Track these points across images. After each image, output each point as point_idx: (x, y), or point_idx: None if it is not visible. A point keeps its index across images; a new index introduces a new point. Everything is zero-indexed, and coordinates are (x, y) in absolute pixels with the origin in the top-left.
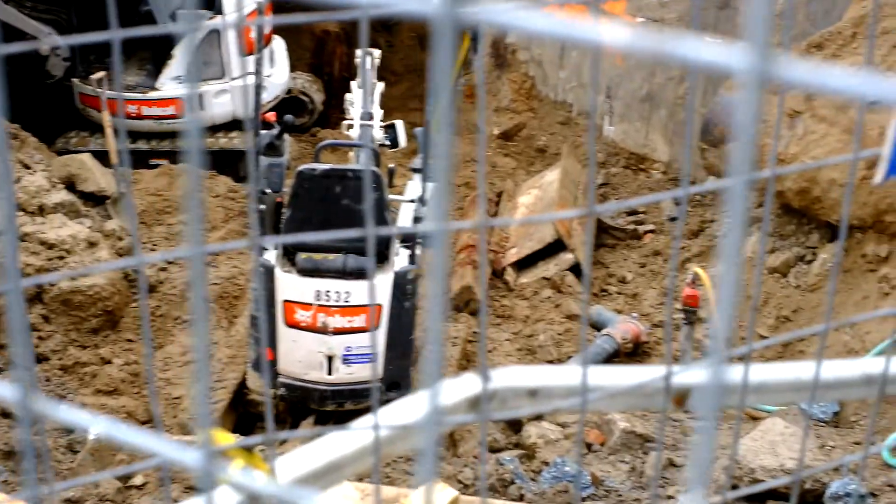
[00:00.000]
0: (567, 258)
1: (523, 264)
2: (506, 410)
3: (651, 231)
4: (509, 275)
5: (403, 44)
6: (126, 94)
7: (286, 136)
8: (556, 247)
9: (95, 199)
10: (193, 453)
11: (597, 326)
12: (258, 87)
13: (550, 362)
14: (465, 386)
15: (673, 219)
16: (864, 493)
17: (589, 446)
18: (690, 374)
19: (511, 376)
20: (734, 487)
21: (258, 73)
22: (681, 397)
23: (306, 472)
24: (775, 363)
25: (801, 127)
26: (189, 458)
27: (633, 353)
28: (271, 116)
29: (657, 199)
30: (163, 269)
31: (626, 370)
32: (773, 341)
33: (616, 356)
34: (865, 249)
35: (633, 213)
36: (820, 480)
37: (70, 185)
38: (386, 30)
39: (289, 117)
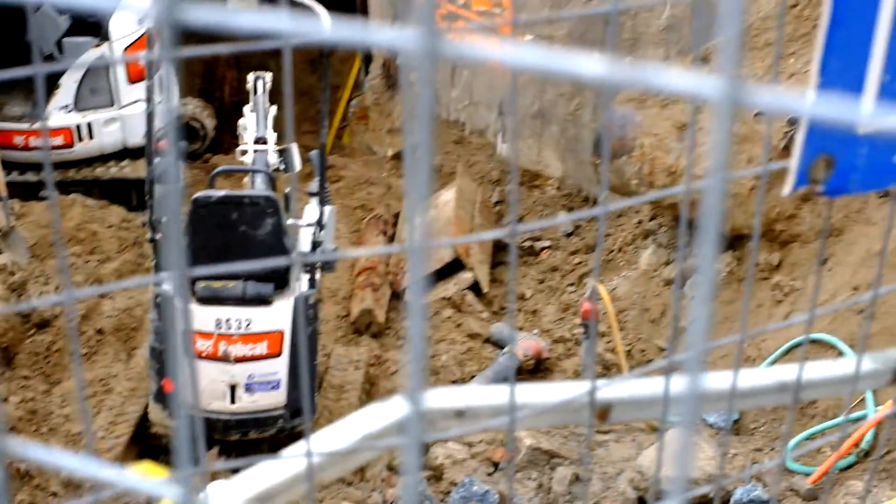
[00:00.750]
0: (466, 277)
1: None
2: (434, 432)
3: (547, 248)
4: (409, 295)
5: (295, 66)
6: (13, 124)
7: (180, 164)
8: (454, 266)
9: None
10: (174, 487)
11: (498, 344)
12: (150, 116)
13: (454, 382)
14: (392, 409)
15: (569, 234)
16: (766, 498)
17: (496, 465)
18: (612, 389)
19: (438, 398)
20: (641, 500)
21: (149, 100)
22: (604, 412)
23: (240, 502)
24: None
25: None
26: (170, 493)
27: (536, 369)
28: (164, 144)
29: (577, 217)
30: (57, 303)
31: (551, 387)
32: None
33: (519, 373)
34: (758, 258)
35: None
36: (724, 488)
37: None
38: (276, 53)
39: (182, 144)
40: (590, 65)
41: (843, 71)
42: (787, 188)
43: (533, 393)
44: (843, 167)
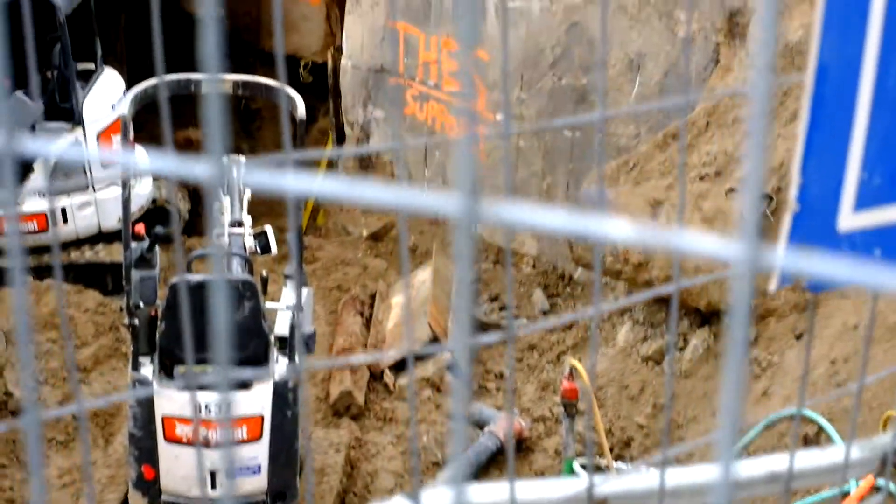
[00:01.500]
0: (445, 357)
1: (401, 366)
2: None
3: (524, 325)
4: (388, 377)
5: (266, 148)
6: None
7: (156, 249)
8: (432, 345)
9: None
10: None
11: (479, 424)
12: (126, 202)
13: (436, 464)
14: None
15: (545, 312)
16: None
17: None
18: (610, 484)
19: (439, 497)
20: None
21: (126, 186)
22: None
23: None
24: (683, 466)
25: (664, 216)
26: None
27: (517, 449)
28: (140, 228)
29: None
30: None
31: (550, 483)
32: (693, 445)
33: (500, 453)
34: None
35: (504, 307)
36: None
37: None
38: (249, 135)
39: (159, 229)
40: (619, 228)
41: (822, 169)
42: (772, 285)
43: (534, 490)
44: None
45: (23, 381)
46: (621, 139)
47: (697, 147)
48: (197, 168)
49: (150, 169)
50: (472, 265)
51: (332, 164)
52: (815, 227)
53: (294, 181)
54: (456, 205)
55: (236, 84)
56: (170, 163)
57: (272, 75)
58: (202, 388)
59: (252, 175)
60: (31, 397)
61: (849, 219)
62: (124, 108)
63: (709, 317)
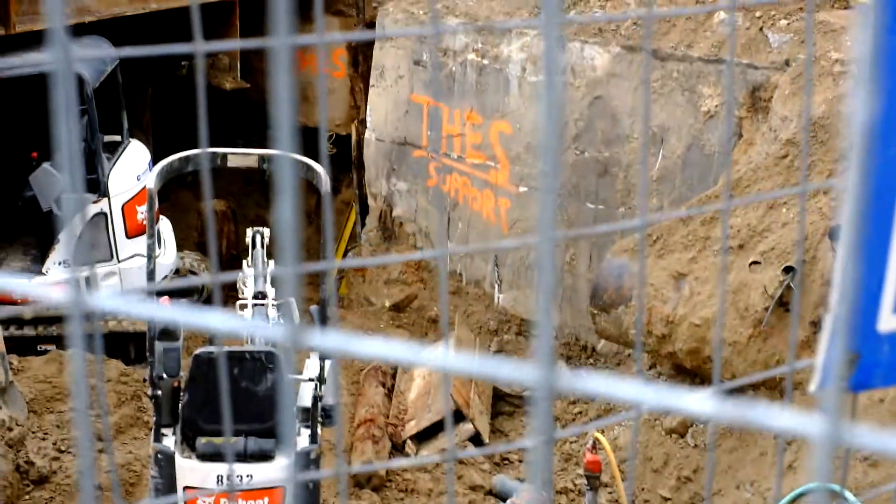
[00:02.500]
0: (467, 428)
1: (423, 436)
2: None
3: None
4: (410, 448)
5: None
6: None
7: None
8: (454, 418)
9: None
10: None
11: (501, 496)
12: (151, 273)
13: None
14: None
15: None
16: None
17: None
18: None
19: None
20: None
21: (151, 258)
22: None
23: None
24: None
25: (687, 289)
26: None
27: None
28: (165, 300)
29: None
30: (55, 459)
31: None
32: None
33: None
34: (759, 406)
35: None
36: None
37: None
38: (272, 206)
39: (183, 302)
40: (699, 403)
41: (864, 274)
42: (813, 385)
43: None
44: (867, 363)
45: (80, 448)
46: (645, 213)
47: (720, 220)
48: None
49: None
50: (551, 435)
51: (354, 235)
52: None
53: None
54: (534, 376)
55: (262, 158)
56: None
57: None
58: (223, 458)
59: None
60: (88, 470)
61: (889, 320)
62: (151, 181)
63: (732, 390)
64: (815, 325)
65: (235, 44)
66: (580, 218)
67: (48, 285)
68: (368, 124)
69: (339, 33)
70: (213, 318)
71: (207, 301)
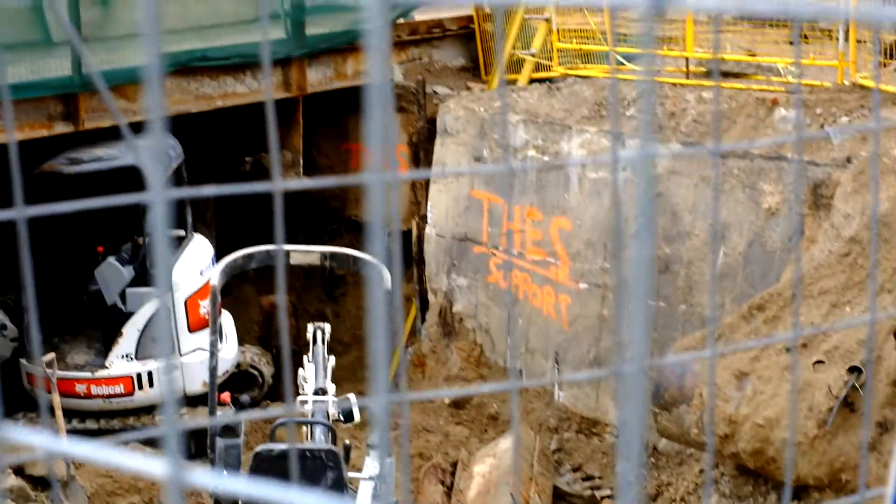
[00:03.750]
0: None
1: None
2: None
3: (608, 496)
4: None
5: (350, 313)
6: (75, 373)
7: (242, 418)
8: None
9: (45, 483)
10: None
11: None
12: (213, 370)
13: None
14: None
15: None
16: None
17: None
18: None
19: None
20: None
21: (213, 354)
22: None
23: None
24: None
25: (750, 388)
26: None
27: None
28: (226, 397)
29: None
30: None
31: None
32: None
33: None
34: None
35: (589, 478)
36: None
37: (18, 468)
38: (333, 300)
39: (245, 398)
40: None
41: None
42: None
43: None
44: None
45: None
46: (705, 309)
47: (783, 319)
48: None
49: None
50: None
51: (414, 330)
52: None
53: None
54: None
55: (324, 255)
56: None
57: (358, 241)
58: None
59: None
60: None
61: None
62: (214, 277)
63: (798, 492)
64: (882, 426)
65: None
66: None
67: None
68: (429, 220)
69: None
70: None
71: (267, 396)
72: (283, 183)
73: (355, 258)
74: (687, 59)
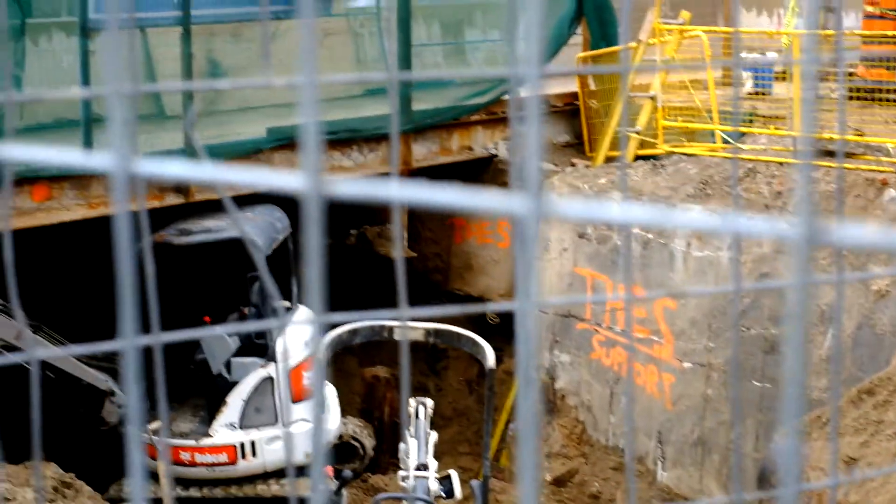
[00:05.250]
0: None
1: None
2: None
3: None
4: None
5: (452, 387)
6: (179, 440)
7: (344, 492)
8: None
9: None
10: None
11: None
12: (318, 442)
13: None
14: None
15: None
16: None
17: None
18: None
19: None
20: None
21: (317, 424)
22: None
23: None
24: None
25: (859, 474)
26: None
27: None
28: (329, 470)
29: None
30: None
31: None
32: None
33: None
34: None
35: None
36: None
37: None
38: (435, 374)
39: (347, 473)
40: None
41: None
42: None
43: None
44: None
45: None
46: (813, 392)
47: (894, 403)
48: None
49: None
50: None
51: (516, 407)
52: None
53: None
54: None
55: (428, 332)
56: None
57: (459, 316)
58: None
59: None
60: None
61: None
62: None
63: None
64: None
65: None
66: (746, 396)
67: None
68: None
69: None
70: None
71: (369, 469)
72: (401, 254)
73: (459, 335)
74: (794, 139)
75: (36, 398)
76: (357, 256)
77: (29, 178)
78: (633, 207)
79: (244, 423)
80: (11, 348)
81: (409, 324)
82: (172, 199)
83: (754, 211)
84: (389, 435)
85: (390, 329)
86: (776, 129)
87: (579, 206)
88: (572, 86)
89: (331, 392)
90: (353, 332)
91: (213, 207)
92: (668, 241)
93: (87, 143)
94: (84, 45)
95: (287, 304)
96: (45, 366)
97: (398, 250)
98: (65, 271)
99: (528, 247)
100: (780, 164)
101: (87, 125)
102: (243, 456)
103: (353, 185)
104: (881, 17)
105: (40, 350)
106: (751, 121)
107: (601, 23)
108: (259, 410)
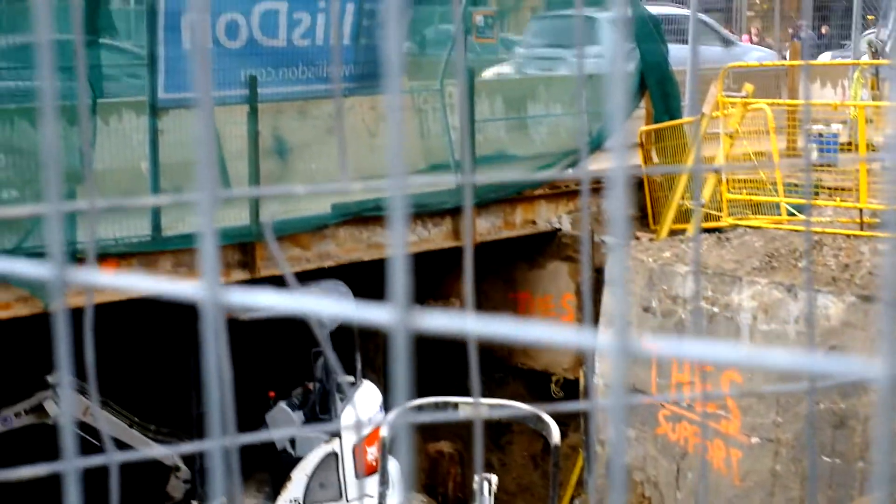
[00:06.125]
0: None
1: None
2: None
3: None
4: None
5: (517, 462)
6: None
7: None
8: None
9: None
10: None
11: None
12: None
13: None
14: None
15: None
16: None
17: None
18: None
19: None
20: None
21: (382, 499)
22: None
23: None
24: None
25: None
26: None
27: None
28: None
29: None
30: None
31: None
32: None
33: None
34: None
35: None
36: None
37: None
38: (499, 448)
39: None
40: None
41: None
42: None
43: None
44: None
45: None
46: None
47: None
48: None
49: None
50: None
51: (581, 481)
52: None
53: None
54: None
55: (492, 407)
56: None
57: (523, 390)
58: None
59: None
60: None
61: None
62: (384, 428)
63: None
64: None
65: None
66: (815, 472)
67: None
68: (596, 369)
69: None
70: None
71: None
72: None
73: (523, 411)
74: (861, 210)
75: (114, 481)
76: (417, 336)
77: (97, 254)
78: (717, 346)
79: (308, 499)
80: (80, 424)
81: (476, 400)
82: (239, 275)
83: (821, 284)
84: None
85: (455, 405)
86: (842, 201)
87: (666, 346)
88: (635, 158)
89: (395, 467)
90: (418, 408)
91: (279, 282)
92: (734, 315)
93: (156, 224)
94: (153, 124)
95: (351, 379)
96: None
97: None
98: (130, 346)
99: (617, 390)
100: (847, 236)
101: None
102: None
103: (435, 319)
104: None
105: (105, 425)
106: (816, 193)
107: (664, 96)
108: (324, 486)
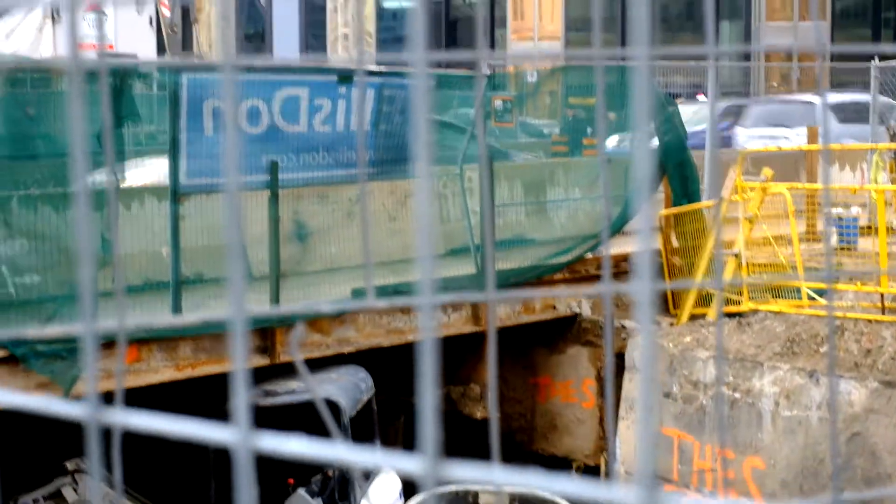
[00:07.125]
0: None
1: None
2: None
3: None
4: None
5: None
6: None
7: None
8: None
9: None
10: None
11: None
12: None
13: None
14: None
15: None
16: None
17: None
18: None
19: None
20: None
21: None
22: None
23: None
24: None
25: None
26: None
27: None
28: None
29: None
30: None
31: None
32: None
33: None
34: None
35: None
36: None
37: None
38: None
39: None
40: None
41: None
42: None
43: None
44: None
45: None
46: None
47: None
48: None
49: None
50: None
51: None
52: None
53: None
54: None
55: (513, 497)
56: None
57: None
58: None
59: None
60: None
61: None
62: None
63: None
64: None
65: None
66: None
67: None
68: (617, 457)
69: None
70: None
71: None
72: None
73: (545, 499)
74: (882, 295)
75: None
76: (442, 417)
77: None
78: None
79: None
80: None
81: (497, 488)
82: (258, 361)
83: (844, 370)
84: None
85: (475, 494)
86: (863, 284)
87: None
88: (654, 243)
89: None
90: (438, 497)
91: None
92: (755, 401)
93: (176, 306)
94: (175, 210)
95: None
96: None
97: (493, 418)
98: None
99: None
100: (869, 321)
101: (176, 287)
102: None
103: (468, 471)
104: None
105: None
106: (837, 277)
107: (683, 179)
108: None
